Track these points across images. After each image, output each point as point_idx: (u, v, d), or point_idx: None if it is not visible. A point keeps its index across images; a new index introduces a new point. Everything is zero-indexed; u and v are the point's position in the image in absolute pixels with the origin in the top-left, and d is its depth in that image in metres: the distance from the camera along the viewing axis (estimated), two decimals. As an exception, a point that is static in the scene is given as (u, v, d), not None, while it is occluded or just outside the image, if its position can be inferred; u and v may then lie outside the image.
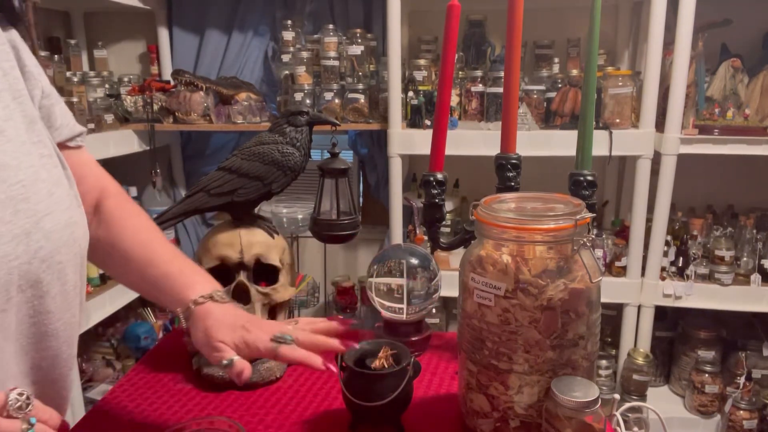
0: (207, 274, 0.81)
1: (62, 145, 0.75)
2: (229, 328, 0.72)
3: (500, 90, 1.89)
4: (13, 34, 0.70)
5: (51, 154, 0.68)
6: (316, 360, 0.70)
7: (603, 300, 0.76)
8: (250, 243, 0.94)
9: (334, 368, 0.71)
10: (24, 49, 0.71)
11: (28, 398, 0.56)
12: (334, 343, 0.73)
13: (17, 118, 0.65)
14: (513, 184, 0.97)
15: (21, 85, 0.68)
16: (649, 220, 1.95)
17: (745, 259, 1.97)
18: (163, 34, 2.37)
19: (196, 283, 0.77)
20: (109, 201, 0.82)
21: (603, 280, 0.73)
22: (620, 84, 1.89)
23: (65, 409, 0.76)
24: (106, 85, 2.23)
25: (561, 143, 1.87)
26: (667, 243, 1.99)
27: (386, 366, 0.78)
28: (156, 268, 0.77)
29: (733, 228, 2.04)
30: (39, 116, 0.70)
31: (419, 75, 2.02)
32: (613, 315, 2.17)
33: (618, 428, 0.73)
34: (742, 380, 1.95)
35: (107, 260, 0.81)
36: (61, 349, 0.67)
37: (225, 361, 0.70)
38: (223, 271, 0.94)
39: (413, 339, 1.02)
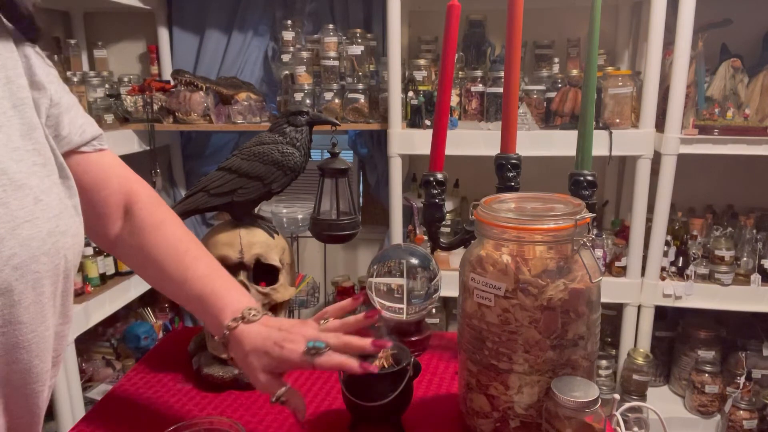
0: (239, 286, 0.81)
1: (77, 152, 0.75)
2: (262, 351, 0.74)
3: (500, 90, 1.89)
4: (29, 46, 0.70)
5: (45, 163, 0.67)
6: (353, 364, 0.70)
7: (603, 300, 0.76)
8: (250, 243, 0.94)
9: (372, 369, 0.71)
10: (36, 60, 0.71)
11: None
12: (366, 344, 0.73)
13: (14, 125, 0.64)
14: (513, 184, 0.97)
15: (26, 93, 0.68)
16: (649, 220, 1.95)
17: (745, 259, 1.97)
18: (163, 34, 2.37)
19: (228, 305, 0.77)
20: (139, 207, 0.82)
21: (603, 280, 0.73)
22: (620, 84, 1.89)
23: (37, 429, 0.73)
24: (106, 85, 2.23)
25: (561, 143, 1.87)
26: (667, 243, 1.99)
27: (386, 366, 0.78)
28: (191, 288, 0.78)
29: (733, 228, 2.04)
30: (42, 125, 0.70)
31: (419, 75, 2.02)
32: (613, 315, 2.17)
33: (618, 428, 0.73)
34: (742, 380, 1.95)
35: (144, 272, 0.82)
36: (33, 363, 0.65)
37: (272, 399, 0.72)
38: (223, 271, 0.94)
39: (413, 339, 1.02)
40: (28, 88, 0.68)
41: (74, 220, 0.69)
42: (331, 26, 2.13)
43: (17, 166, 0.63)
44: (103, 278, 1.97)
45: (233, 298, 0.78)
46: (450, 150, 1.01)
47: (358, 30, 2.10)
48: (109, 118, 2.11)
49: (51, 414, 1.81)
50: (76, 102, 0.77)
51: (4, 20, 0.67)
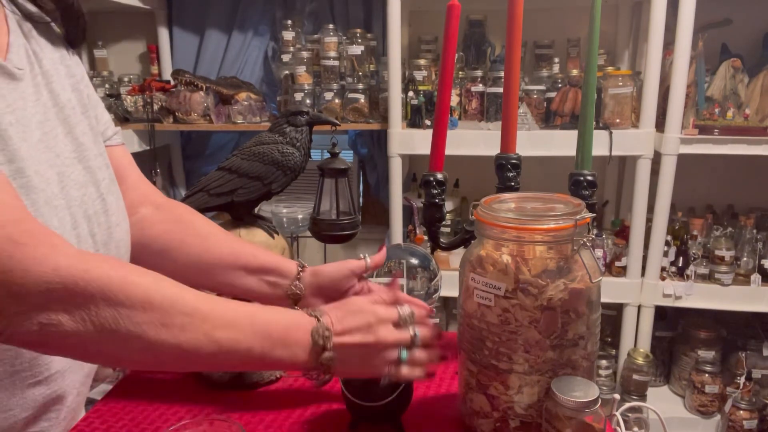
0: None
1: (106, 146, 0.77)
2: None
3: (500, 90, 1.89)
4: (71, 50, 0.73)
5: (109, 165, 0.72)
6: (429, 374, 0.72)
7: (603, 300, 0.76)
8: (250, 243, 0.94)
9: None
10: (78, 62, 0.73)
11: (412, 314, 0.68)
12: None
13: (88, 132, 0.70)
14: (513, 184, 0.97)
15: (85, 99, 0.72)
16: (649, 220, 1.95)
17: (745, 259, 1.97)
18: (163, 34, 2.37)
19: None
20: (162, 201, 0.87)
21: (603, 280, 0.73)
22: (620, 84, 1.89)
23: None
24: (107, 85, 2.23)
25: (561, 143, 1.87)
26: (667, 243, 1.99)
27: (386, 366, 0.78)
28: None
29: (733, 228, 2.04)
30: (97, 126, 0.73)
31: (419, 75, 2.02)
32: (613, 315, 2.17)
33: (618, 428, 0.73)
34: (742, 380, 1.95)
35: (178, 251, 0.82)
36: None
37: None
38: (223, 271, 0.94)
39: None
40: (85, 93, 0.71)
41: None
42: (331, 26, 2.13)
43: (101, 174, 0.69)
44: (103, 278, 1.97)
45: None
46: (450, 150, 1.01)
47: (358, 30, 2.11)
48: (109, 118, 2.11)
49: (51, 414, 1.80)
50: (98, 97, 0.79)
51: (55, 25, 0.69)
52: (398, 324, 0.68)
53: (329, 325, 0.63)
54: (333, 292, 0.81)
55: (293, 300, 0.80)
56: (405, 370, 0.68)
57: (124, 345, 0.53)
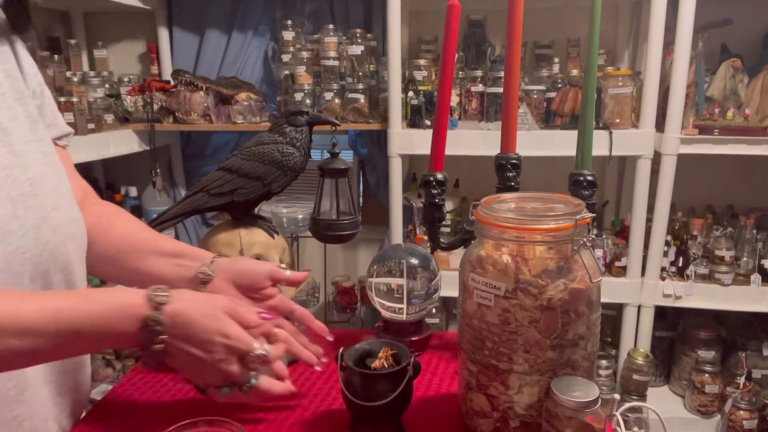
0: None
1: (54, 144, 0.77)
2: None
3: (500, 90, 1.89)
4: (13, 37, 0.72)
5: (53, 152, 0.72)
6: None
7: (603, 300, 0.76)
8: (250, 243, 0.94)
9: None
10: (21, 50, 0.73)
11: (266, 357, 0.67)
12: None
13: (21, 117, 0.69)
14: (513, 184, 0.97)
15: (23, 86, 0.71)
16: (649, 220, 1.95)
17: (745, 259, 1.97)
18: (163, 34, 2.37)
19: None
20: (97, 200, 0.86)
21: (603, 280, 0.73)
22: (620, 84, 1.89)
23: (84, 401, 0.80)
24: (106, 85, 2.23)
25: (561, 143, 1.87)
26: (667, 243, 1.99)
27: (386, 366, 0.78)
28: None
29: (733, 228, 2.04)
30: (38, 115, 0.72)
31: (419, 75, 2.02)
32: (613, 315, 2.17)
33: (618, 428, 0.73)
34: (742, 380, 1.95)
35: (105, 236, 0.82)
36: None
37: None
38: (223, 271, 0.94)
39: (413, 339, 1.02)
40: (22, 80, 0.71)
41: (77, 207, 0.74)
42: (331, 26, 2.13)
43: (35, 158, 0.69)
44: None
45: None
46: (450, 150, 1.01)
47: (358, 30, 2.10)
48: (109, 118, 2.11)
49: (51, 414, 1.80)
50: (51, 95, 0.78)
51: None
52: (244, 358, 0.68)
53: (168, 320, 0.62)
54: (246, 283, 0.81)
55: (202, 282, 0.80)
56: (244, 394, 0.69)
57: None
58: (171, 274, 0.80)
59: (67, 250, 0.69)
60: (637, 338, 2.05)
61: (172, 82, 2.20)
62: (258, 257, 0.94)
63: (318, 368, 0.78)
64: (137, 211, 2.23)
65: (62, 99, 1.82)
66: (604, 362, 2.10)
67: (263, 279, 0.81)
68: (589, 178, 0.91)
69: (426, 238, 1.80)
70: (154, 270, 0.80)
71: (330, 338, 0.83)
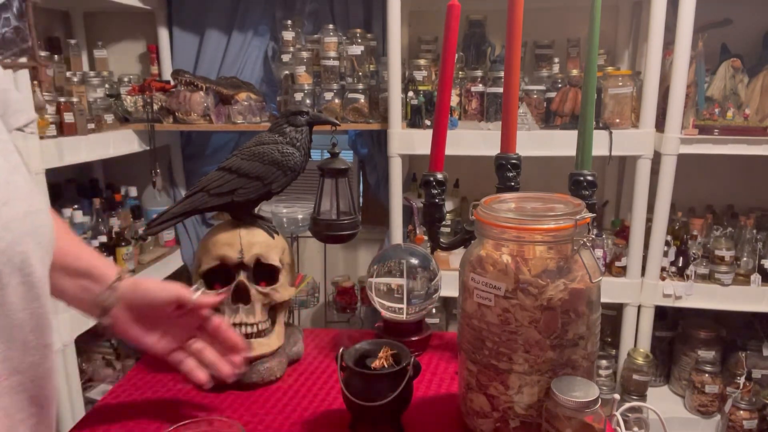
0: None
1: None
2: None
3: (500, 90, 1.89)
4: None
5: (7, 140, 0.66)
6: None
7: (603, 300, 0.76)
8: (250, 243, 0.94)
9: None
10: None
11: None
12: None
13: None
14: (513, 184, 0.97)
15: None
16: (649, 220, 1.95)
17: (745, 259, 1.97)
18: (163, 34, 2.37)
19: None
20: None
21: (603, 280, 0.73)
22: (620, 84, 1.89)
23: (50, 408, 0.72)
24: (106, 85, 2.22)
25: (561, 143, 1.87)
26: (667, 243, 1.99)
27: (386, 366, 0.78)
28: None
29: (733, 228, 2.04)
30: None
31: (419, 75, 2.02)
32: (613, 315, 2.17)
33: (618, 428, 0.73)
34: (742, 380, 1.95)
35: None
36: (28, 339, 0.65)
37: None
38: (223, 271, 0.94)
39: (413, 339, 1.02)
40: None
41: (41, 198, 0.67)
42: (331, 26, 2.13)
43: None
44: (103, 278, 1.97)
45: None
46: (450, 150, 1.01)
47: (358, 30, 2.10)
48: (109, 118, 2.11)
49: (51, 414, 1.80)
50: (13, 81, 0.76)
51: None
52: None
53: None
54: (148, 312, 0.78)
55: (102, 311, 0.76)
56: None
57: None
58: (77, 296, 0.77)
59: (23, 248, 0.62)
60: (637, 338, 2.05)
61: (172, 82, 2.20)
62: (258, 257, 0.94)
63: (228, 380, 0.79)
64: (137, 211, 2.23)
65: (62, 99, 1.82)
66: (604, 362, 2.10)
67: (165, 304, 0.78)
68: (589, 178, 0.91)
69: (426, 238, 1.81)
70: (59, 288, 0.76)
71: (246, 354, 0.81)
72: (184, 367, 0.78)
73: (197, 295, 0.78)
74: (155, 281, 0.79)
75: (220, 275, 0.94)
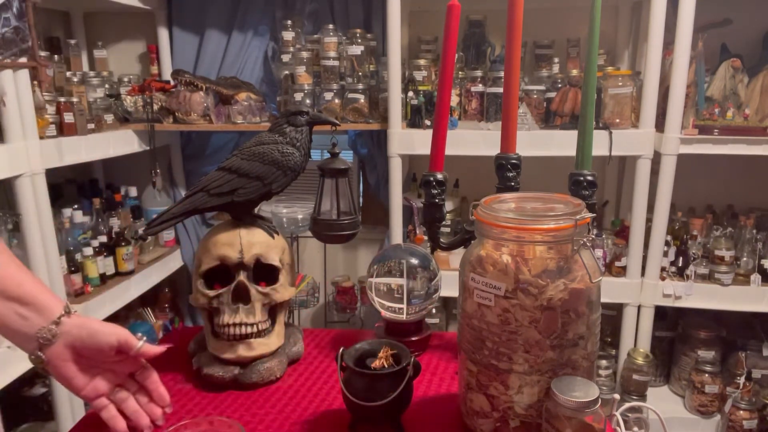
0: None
1: None
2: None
3: (500, 90, 1.89)
4: None
5: None
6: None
7: (603, 300, 0.76)
8: (250, 243, 0.94)
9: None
10: None
11: None
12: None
13: None
14: (513, 184, 0.97)
15: None
16: (649, 220, 1.95)
17: (745, 259, 1.97)
18: (163, 34, 2.37)
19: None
20: None
21: (603, 280, 0.73)
22: (620, 84, 1.89)
23: None
24: (106, 85, 2.22)
25: (561, 143, 1.87)
26: (667, 243, 1.99)
27: (386, 366, 0.78)
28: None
29: (733, 228, 2.04)
30: None
31: (419, 75, 2.03)
32: (613, 315, 2.17)
33: (618, 428, 0.73)
34: (742, 380, 1.95)
35: None
36: None
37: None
38: (223, 271, 0.94)
39: (413, 339, 1.02)
40: None
41: None
42: (331, 26, 2.13)
43: None
44: (103, 278, 1.97)
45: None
46: (450, 150, 1.01)
47: (358, 30, 2.10)
48: (109, 118, 2.11)
49: (51, 414, 1.80)
50: None
51: None
52: None
53: None
54: (89, 353, 0.76)
55: (40, 345, 0.73)
56: None
57: None
58: (12, 324, 0.73)
59: None
60: (637, 338, 2.05)
61: (172, 82, 2.20)
62: (258, 257, 0.94)
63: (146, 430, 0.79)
64: (137, 211, 2.23)
65: (62, 99, 1.82)
66: (604, 362, 2.10)
67: (108, 349, 0.76)
68: (589, 178, 0.91)
69: (426, 238, 1.81)
70: None
71: (168, 410, 0.82)
72: (105, 414, 0.77)
73: (141, 344, 0.77)
74: (102, 323, 0.77)
75: (220, 275, 0.94)
